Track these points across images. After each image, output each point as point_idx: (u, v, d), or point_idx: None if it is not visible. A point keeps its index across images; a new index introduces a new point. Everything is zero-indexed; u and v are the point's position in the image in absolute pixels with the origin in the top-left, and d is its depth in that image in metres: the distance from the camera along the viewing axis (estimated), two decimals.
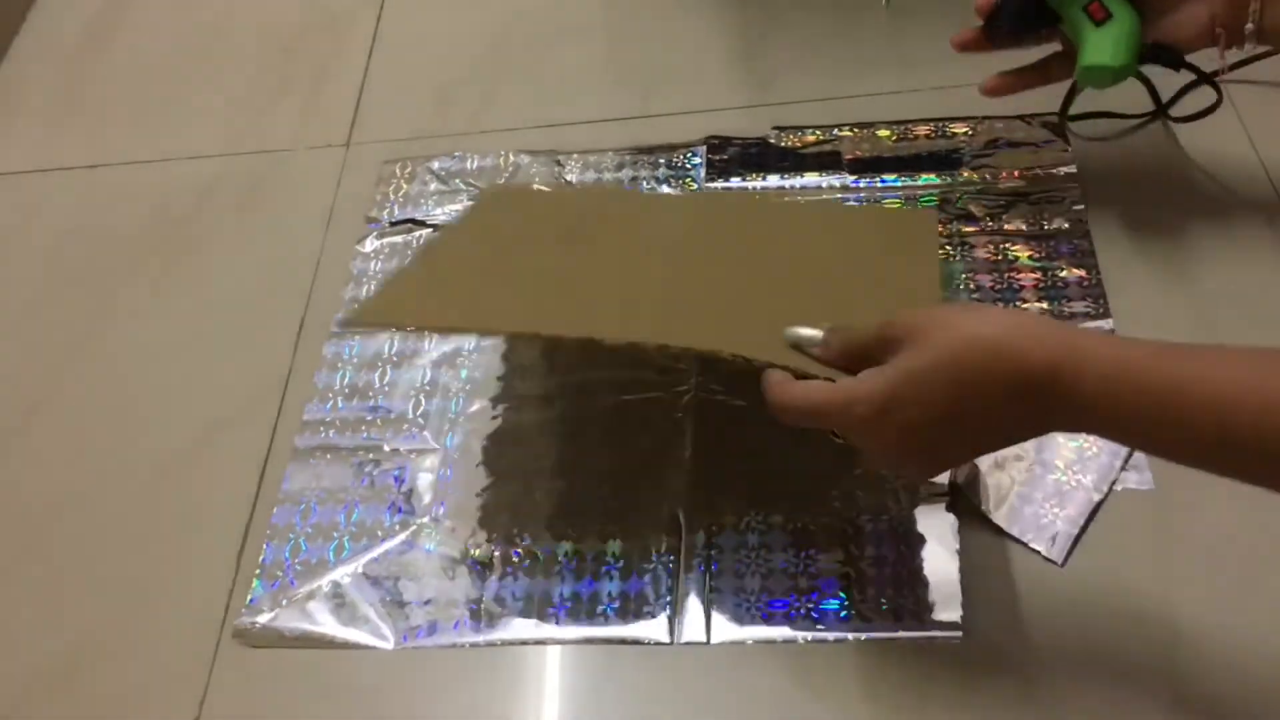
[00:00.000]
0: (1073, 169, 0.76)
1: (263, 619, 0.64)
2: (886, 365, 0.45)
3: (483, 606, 0.62)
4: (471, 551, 0.64)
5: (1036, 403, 0.42)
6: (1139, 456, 0.62)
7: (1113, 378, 0.40)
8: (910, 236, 0.67)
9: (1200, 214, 0.73)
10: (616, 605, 0.61)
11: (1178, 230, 0.72)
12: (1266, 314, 0.68)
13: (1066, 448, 0.63)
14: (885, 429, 0.45)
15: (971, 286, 0.71)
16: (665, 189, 0.81)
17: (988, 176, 0.77)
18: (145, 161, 0.91)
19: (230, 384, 0.75)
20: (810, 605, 0.60)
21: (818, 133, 0.82)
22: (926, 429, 0.44)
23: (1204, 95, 0.73)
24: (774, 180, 0.80)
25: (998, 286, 0.71)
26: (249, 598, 0.65)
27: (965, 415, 0.43)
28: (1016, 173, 0.77)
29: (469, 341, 0.74)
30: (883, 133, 0.81)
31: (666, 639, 0.60)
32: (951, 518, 0.61)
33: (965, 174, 0.77)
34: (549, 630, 0.61)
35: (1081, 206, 0.74)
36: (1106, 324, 0.68)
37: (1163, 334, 0.68)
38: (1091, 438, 0.62)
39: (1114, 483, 0.61)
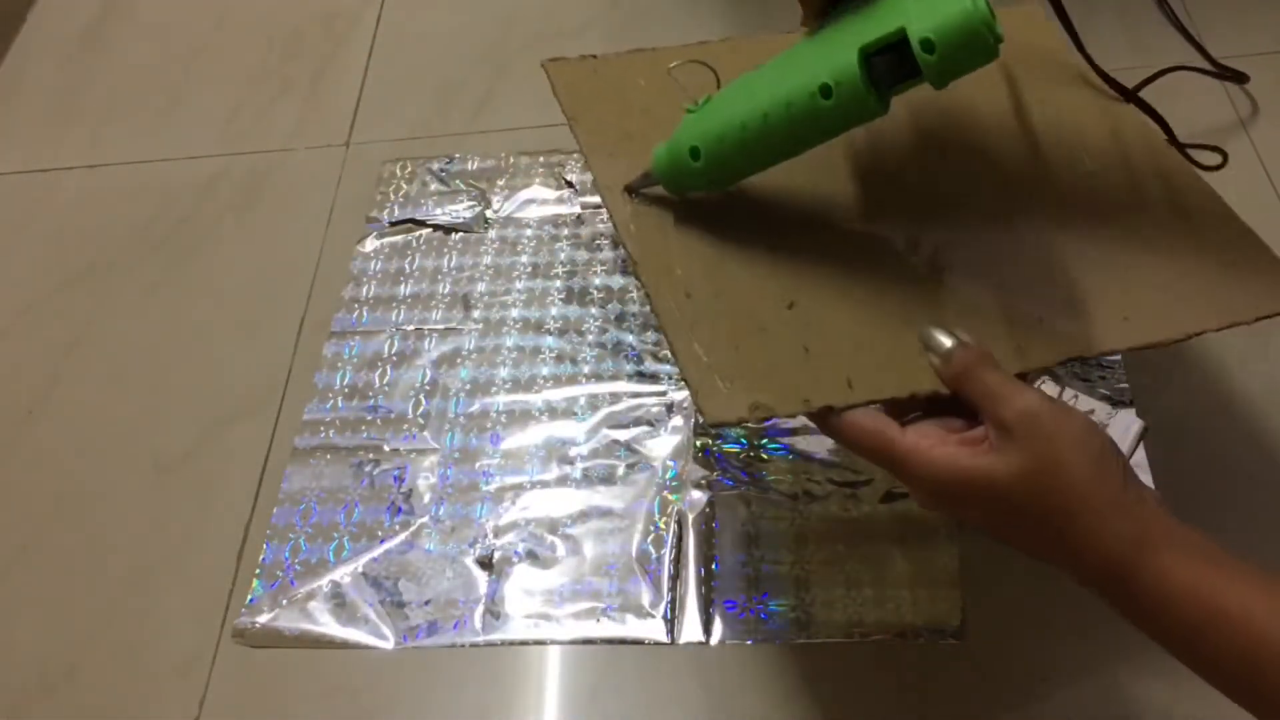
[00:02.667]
0: None
1: (263, 619, 0.64)
2: (978, 456, 0.41)
3: (482, 606, 0.62)
4: (471, 551, 0.65)
5: (1100, 565, 0.40)
6: (1139, 456, 0.62)
7: (1187, 587, 0.38)
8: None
9: None
10: (616, 605, 0.61)
11: None
12: None
13: None
14: (946, 503, 0.43)
15: None
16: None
17: None
18: (145, 161, 0.91)
19: (230, 384, 0.75)
20: (812, 604, 0.60)
21: None
22: (996, 516, 0.42)
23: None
24: None
25: None
26: (249, 598, 0.65)
27: (1032, 534, 0.41)
28: None
29: (469, 341, 0.74)
30: None
31: (666, 639, 0.60)
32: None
33: None
34: (549, 630, 0.61)
35: None
36: None
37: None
38: None
39: None
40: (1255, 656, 0.35)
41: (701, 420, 0.44)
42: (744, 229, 0.51)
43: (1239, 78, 0.78)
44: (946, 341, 0.45)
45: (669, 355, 0.65)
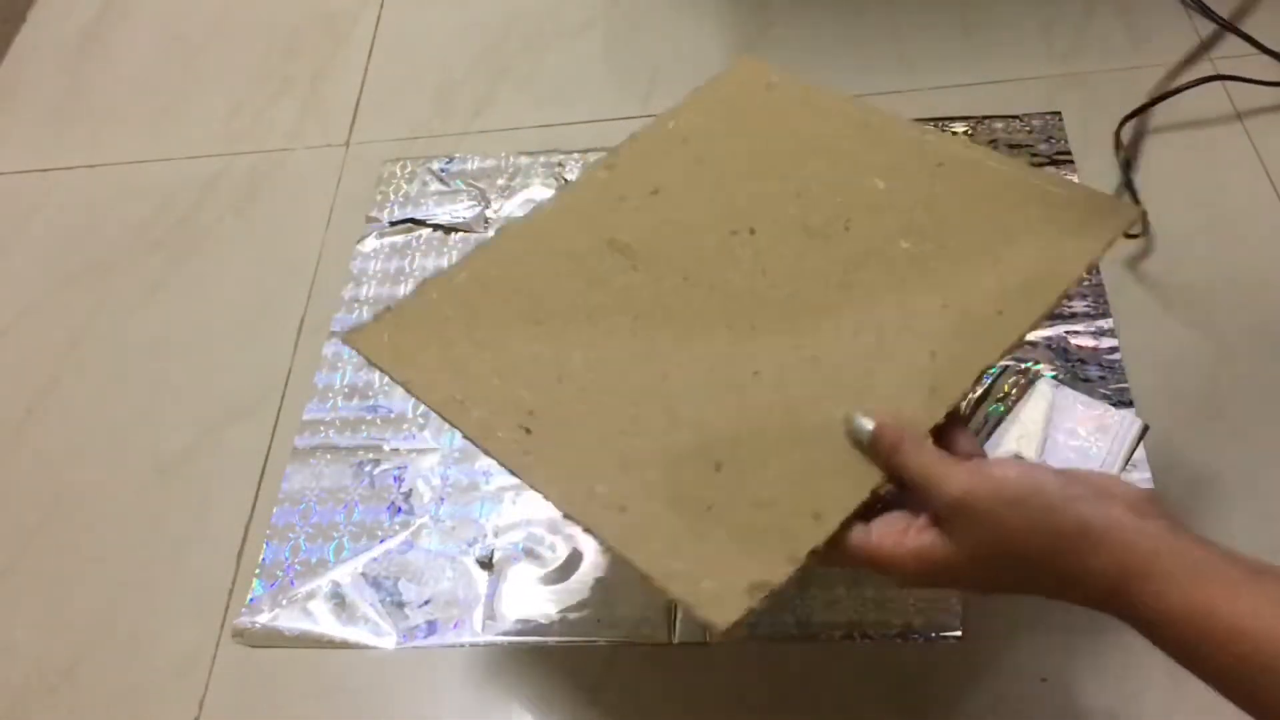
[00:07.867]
0: (1073, 174, 0.76)
1: (263, 619, 0.64)
2: (937, 540, 0.41)
3: (482, 606, 0.62)
4: (471, 551, 0.65)
5: (1095, 600, 0.40)
6: (1139, 456, 0.62)
7: (1188, 612, 0.38)
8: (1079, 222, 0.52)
9: (1202, 213, 0.73)
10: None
11: (1178, 227, 0.72)
12: (1264, 311, 0.68)
13: (1067, 447, 0.63)
14: (928, 582, 0.43)
15: None
16: None
17: None
18: (145, 161, 0.91)
19: (230, 384, 0.75)
20: (812, 604, 0.60)
21: None
22: (977, 585, 0.43)
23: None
24: None
25: None
26: (249, 598, 0.65)
27: (1017, 586, 0.42)
28: None
29: None
30: None
31: (666, 639, 0.60)
32: None
33: None
34: (549, 630, 0.61)
35: None
36: (1106, 323, 0.68)
37: (1159, 330, 0.69)
38: (1092, 437, 0.62)
39: None
40: (1251, 670, 0.36)
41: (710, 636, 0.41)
42: (637, 403, 0.47)
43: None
44: (867, 425, 0.44)
45: None
